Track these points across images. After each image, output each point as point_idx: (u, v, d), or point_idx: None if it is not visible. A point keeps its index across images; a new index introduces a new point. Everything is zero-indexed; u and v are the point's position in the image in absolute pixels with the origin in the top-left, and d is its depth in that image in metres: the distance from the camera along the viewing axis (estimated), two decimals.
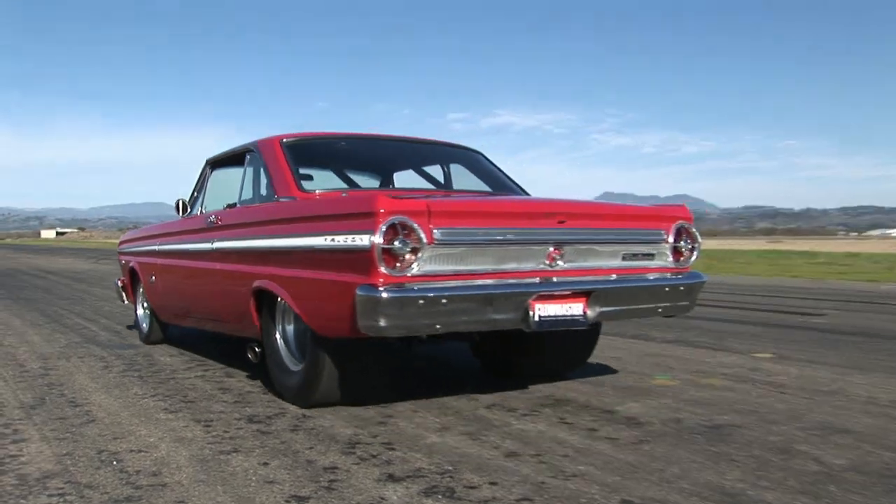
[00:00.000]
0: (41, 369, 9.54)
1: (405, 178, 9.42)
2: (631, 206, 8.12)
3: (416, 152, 9.43)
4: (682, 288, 7.97)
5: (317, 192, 8.05)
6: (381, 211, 6.77)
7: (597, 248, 7.66)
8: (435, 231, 6.89)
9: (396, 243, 6.79)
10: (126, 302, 12.69)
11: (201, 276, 9.32)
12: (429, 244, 6.87)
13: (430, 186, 9.02)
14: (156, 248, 11.30)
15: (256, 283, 8.07)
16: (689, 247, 8.13)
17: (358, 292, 6.78)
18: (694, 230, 8.12)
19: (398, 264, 6.82)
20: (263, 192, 8.54)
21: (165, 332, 11.71)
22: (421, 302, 6.77)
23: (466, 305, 6.93)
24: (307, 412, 7.62)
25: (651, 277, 7.94)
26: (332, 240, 7.10)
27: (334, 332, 7.21)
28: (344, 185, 8.92)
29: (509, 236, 7.20)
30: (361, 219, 6.88)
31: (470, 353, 9.29)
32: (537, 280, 7.35)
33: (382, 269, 6.77)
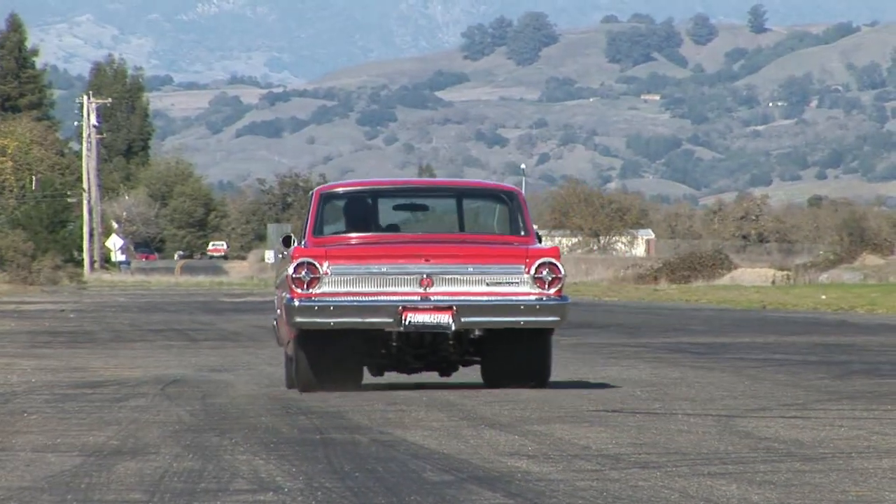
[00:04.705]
0: None
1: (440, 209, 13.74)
2: (492, 248, 12.36)
3: (432, 195, 13.99)
4: (537, 307, 11.93)
5: (322, 237, 12.65)
6: (297, 255, 12.26)
7: (460, 277, 12.09)
8: (330, 267, 12.15)
9: (303, 274, 12.09)
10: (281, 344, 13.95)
11: (280, 304, 13.08)
12: (325, 275, 12.14)
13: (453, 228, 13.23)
14: (278, 279, 13.93)
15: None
16: (551, 277, 11.94)
17: (285, 302, 12.28)
18: (558, 264, 11.99)
19: (306, 286, 12.06)
20: (303, 235, 12.91)
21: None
22: (316, 308, 12.05)
23: (347, 310, 12.04)
24: None
25: (511, 299, 11.95)
26: (286, 273, 12.34)
27: (290, 325, 12.30)
28: (371, 224, 13.15)
29: (384, 269, 12.11)
30: (292, 261, 12.29)
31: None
32: (417, 298, 11.97)
33: (296, 290, 12.09)
